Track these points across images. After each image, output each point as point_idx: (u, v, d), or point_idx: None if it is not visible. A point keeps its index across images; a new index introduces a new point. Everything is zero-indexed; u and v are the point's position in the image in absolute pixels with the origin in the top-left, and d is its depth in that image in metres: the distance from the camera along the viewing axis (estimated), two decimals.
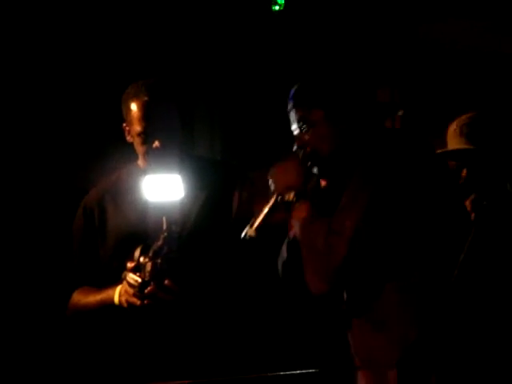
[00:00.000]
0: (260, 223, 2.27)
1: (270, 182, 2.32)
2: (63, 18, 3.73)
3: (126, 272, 2.48)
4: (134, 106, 2.63)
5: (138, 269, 2.46)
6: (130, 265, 2.48)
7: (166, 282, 2.44)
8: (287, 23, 4.12)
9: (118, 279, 2.55)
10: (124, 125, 2.71)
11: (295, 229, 2.28)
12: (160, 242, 2.44)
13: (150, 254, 2.44)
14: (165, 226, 2.46)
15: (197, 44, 4.13)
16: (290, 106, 2.38)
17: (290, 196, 2.25)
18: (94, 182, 2.89)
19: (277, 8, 4.12)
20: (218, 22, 4.15)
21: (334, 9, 4.06)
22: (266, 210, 2.29)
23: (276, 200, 2.29)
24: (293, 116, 2.37)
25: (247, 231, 2.25)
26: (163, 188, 2.48)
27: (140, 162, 2.73)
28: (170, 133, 2.63)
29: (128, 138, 2.72)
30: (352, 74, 2.39)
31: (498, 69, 4.07)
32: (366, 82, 2.41)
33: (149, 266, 2.43)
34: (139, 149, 2.68)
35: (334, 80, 2.35)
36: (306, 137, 2.33)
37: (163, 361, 2.55)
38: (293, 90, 2.38)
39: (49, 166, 3.81)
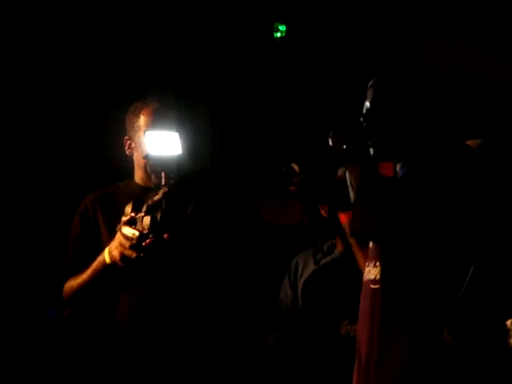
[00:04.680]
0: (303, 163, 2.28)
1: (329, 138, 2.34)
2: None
3: (120, 225, 2.44)
4: (144, 113, 2.66)
5: (133, 222, 2.43)
6: (124, 218, 2.44)
7: (165, 236, 2.41)
8: (289, 49, 4.22)
9: (116, 275, 2.54)
10: (126, 138, 2.73)
11: (352, 181, 2.29)
12: (158, 196, 2.42)
13: (145, 209, 2.41)
14: (163, 181, 2.44)
15: (202, 69, 4.21)
16: (372, 82, 2.37)
17: (356, 148, 2.28)
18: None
19: (278, 35, 4.24)
20: (222, 49, 4.24)
21: (335, 34, 4.16)
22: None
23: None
24: (370, 94, 2.35)
25: (292, 164, 2.25)
26: (162, 143, 2.48)
27: (137, 177, 2.74)
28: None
29: (128, 152, 2.73)
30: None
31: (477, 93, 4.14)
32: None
33: (147, 220, 2.40)
34: (141, 159, 2.68)
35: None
36: (373, 114, 2.33)
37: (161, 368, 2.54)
38: (378, 73, 2.37)
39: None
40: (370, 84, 2.37)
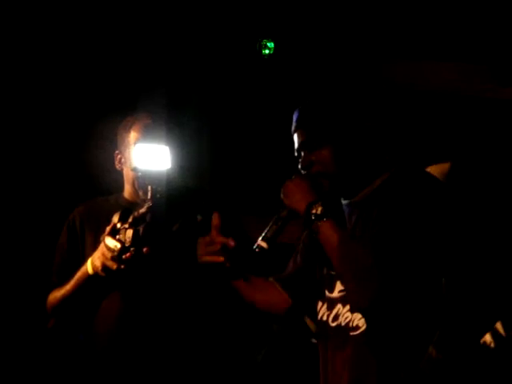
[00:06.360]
0: (271, 235, 2.22)
1: (282, 195, 2.22)
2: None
3: (104, 235, 2.45)
4: (135, 128, 2.69)
5: (115, 232, 2.44)
6: (108, 228, 2.45)
7: (145, 250, 2.42)
8: (277, 66, 4.23)
9: (102, 286, 2.56)
10: (116, 152, 2.74)
11: (327, 243, 2.14)
12: (143, 210, 2.43)
13: (130, 220, 2.42)
14: (149, 196, 2.45)
15: (190, 87, 4.22)
16: (293, 127, 2.30)
17: (318, 210, 2.13)
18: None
19: (267, 52, 4.25)
20: (210, 66, 4.25)
21: (323, 52, 4.18)
22: (278, 222, 2.20)
23: (288, 213, 2.20)
24: (296, 138, 2.29)
25: (258, 243, 2.20)
26: (151, 157, 2.49)
27: (126, 192, 2.74)
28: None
29: (118, 166, 2.74)
30: (355, 100, 2.32)
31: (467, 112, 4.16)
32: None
33: (130, 232, 2.41)
34: (130, 174, 2.68)
35: (338, 103, 2.28)
36: (311, 158, 2.24)
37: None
38: (297, 112, 2.30)
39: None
40: (293, 128, 2.28)
